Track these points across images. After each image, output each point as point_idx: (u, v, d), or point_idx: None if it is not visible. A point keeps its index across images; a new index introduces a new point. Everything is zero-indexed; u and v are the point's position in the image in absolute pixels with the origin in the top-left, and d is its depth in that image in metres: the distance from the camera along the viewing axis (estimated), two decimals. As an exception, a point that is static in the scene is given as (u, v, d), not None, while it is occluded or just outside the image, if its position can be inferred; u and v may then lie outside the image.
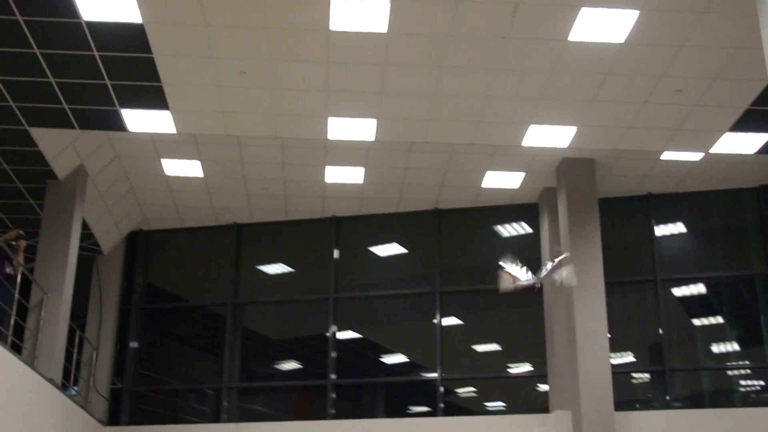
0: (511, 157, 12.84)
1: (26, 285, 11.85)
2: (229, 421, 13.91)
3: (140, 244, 15.26)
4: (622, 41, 9.87)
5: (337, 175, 13.50)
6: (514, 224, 14.70)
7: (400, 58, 10.11)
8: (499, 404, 14.39)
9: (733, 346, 13.79)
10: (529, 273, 9.69)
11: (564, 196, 13.03)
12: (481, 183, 13.74)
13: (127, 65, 10.25)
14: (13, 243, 11.25)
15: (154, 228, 15.22)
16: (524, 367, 14.27)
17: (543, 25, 9.65)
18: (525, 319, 14.33)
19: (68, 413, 11.94)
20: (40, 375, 10.81)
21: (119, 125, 11.55)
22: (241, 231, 15.10)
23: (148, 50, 9.96)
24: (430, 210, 14.58)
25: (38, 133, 11.55)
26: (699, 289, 13.97)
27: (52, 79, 10.41)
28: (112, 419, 14.10)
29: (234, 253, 14.98)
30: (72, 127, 11.47)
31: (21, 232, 11.37)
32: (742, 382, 13.66)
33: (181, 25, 9.62)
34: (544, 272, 9.82)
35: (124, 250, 15.10)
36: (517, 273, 9.66)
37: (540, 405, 13.24)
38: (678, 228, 14.34)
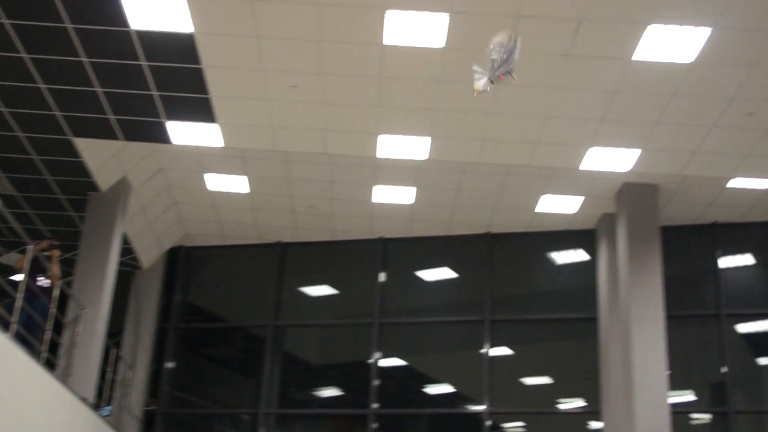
0: (569, 180, 12.33)
1: (62, 299, 11.54)
2: (265, 447, 13.46)
3: (181, 261, 14.92)
4: (691, 61, 9.38)
5: (387, 195, 13.10)
6: (570, 251, 14.14)
7: (457, 74, 9.66)
8: (549, 441, 13.77)
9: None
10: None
11: (624, 223, 12.45)
12: (536, 207, 13.22)
13: (175, 76, 9.99)
14: (47, 253, 10.82)
15: (196, 244, 14.89)
16: (576, 403, 13.61)
17: (606, 43, 9.24)
18: (578, 352, 13.71)
19: (101, 434, 11.56)
20: (73, 393, 10.46)
21: (165, 137, 11.28)
22: (285, 250, 14.70)
23: (197, 61, 9.70)
24: (482, 234, 14.07)
25: (82, 144, 11.31)
26: (766, 325, 13.20)
27: (98, 89, 10.16)
28: (146, 441, 13.72)
29: (276, 273, 14.58)
30: (116, 138, 11.22)
31: (54, 242, 11.00)
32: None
33: (232, 36, 9.34)
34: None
35: (164, 266, 14.76)
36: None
37: (592, 443, 12.62)
38: (745, 260, 13.59)
